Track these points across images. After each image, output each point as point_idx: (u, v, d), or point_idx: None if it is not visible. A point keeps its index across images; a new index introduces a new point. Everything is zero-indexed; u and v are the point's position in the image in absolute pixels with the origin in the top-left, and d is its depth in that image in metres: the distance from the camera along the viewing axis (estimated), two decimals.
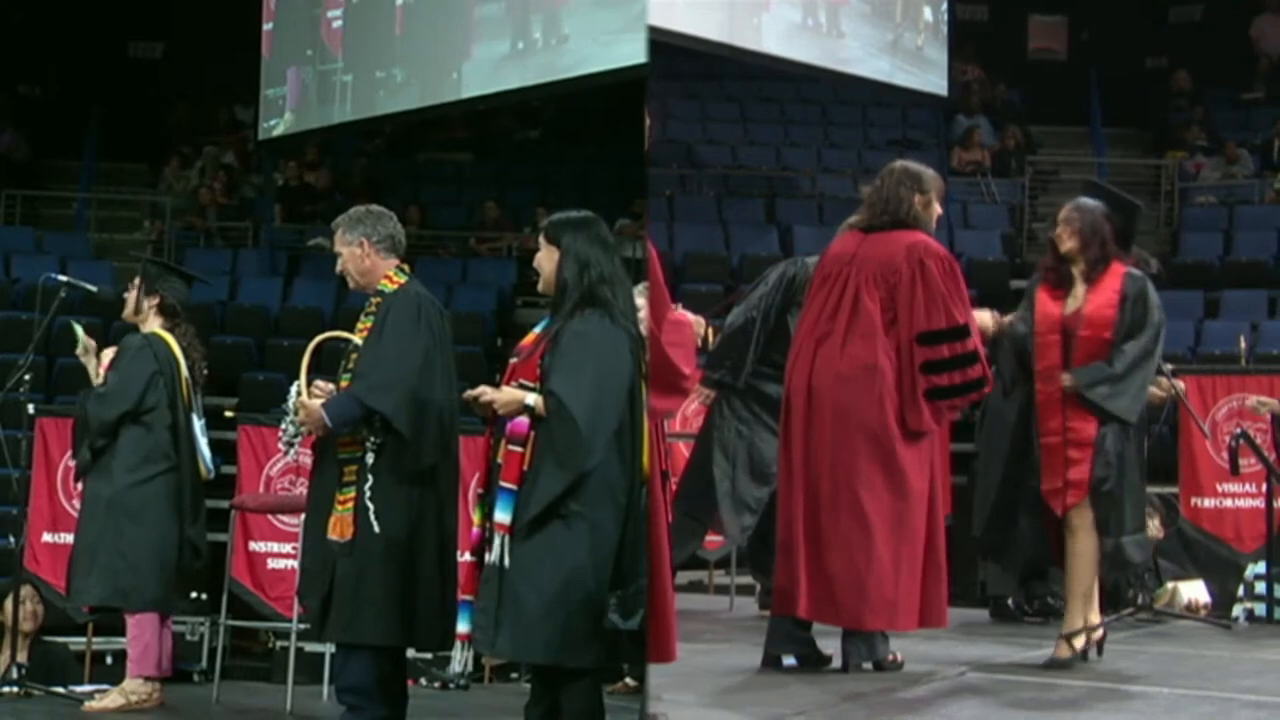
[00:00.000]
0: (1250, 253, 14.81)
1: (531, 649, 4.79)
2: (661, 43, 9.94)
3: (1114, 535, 6.19)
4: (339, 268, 5.74)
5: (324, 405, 5.37)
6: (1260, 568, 8.34)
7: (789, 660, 6.29)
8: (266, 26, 13.47)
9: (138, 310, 6.80)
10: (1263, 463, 8.19)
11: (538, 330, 5.06)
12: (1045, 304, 6.31)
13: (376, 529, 5.37)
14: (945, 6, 13.84)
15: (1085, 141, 17.36)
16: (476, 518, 5.01)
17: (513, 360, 5.05)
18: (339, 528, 5.42)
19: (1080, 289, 6.27)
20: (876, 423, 5.89)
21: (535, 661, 4.86)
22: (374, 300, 5.63)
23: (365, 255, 5.65)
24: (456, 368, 5.68)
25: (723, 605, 8.37)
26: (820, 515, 5.90)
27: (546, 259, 5.03)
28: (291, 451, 5.69)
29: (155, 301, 6.79)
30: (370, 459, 5.41)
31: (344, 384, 5.50)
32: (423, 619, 5.45)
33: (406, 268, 5.74)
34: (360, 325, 5.61)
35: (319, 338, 5.57)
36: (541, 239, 5.07)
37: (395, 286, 5.62)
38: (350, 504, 5.42)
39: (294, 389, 5.46)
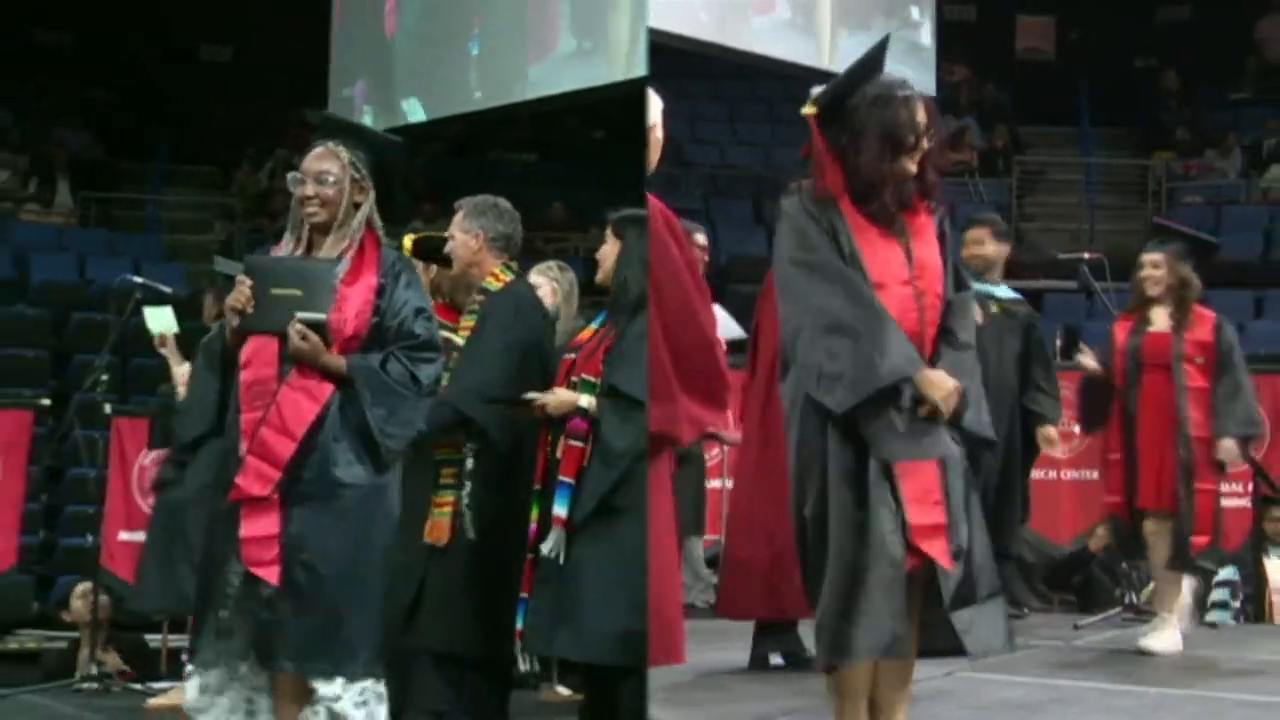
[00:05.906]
0: (1236, 254, 14.82)
1: (599, 649, 4.68)
2: (654, 43, 9.97)
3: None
4: (447, 248, 5.52)
5: None
6: (1230, 572, 8.26)
7: (776, 659, 6.30)
8: (335, 29, 13.38)
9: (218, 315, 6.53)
10: (1249, 462, 8.16)
11: (594, 326, 5.06)
12: None
13: (472, 535, 5.19)
14: (933, 5, 13.81)
15: (1074, 141, 17.37)
16: (534, 514, 4.93)
17: (569, 356, 5.02)
18: (435, 531, 5.21)
19: None
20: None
21: (604, 662, 4.71)
22: (477, 298, 5.43)
23: (479, 248, 5.46)
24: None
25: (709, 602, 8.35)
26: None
27: (610, 252, 5.03)
28: None
29: None
30: (470, 464, 5.22)
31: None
32: (509, 627, 5.12)
33: (515, 266, 5.54)
34: (463, 323, 5.42)
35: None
36: (608, 231, 5.07)
37: (500, 285, 5.42)
38: (448, 508, 5.22)
39: None
